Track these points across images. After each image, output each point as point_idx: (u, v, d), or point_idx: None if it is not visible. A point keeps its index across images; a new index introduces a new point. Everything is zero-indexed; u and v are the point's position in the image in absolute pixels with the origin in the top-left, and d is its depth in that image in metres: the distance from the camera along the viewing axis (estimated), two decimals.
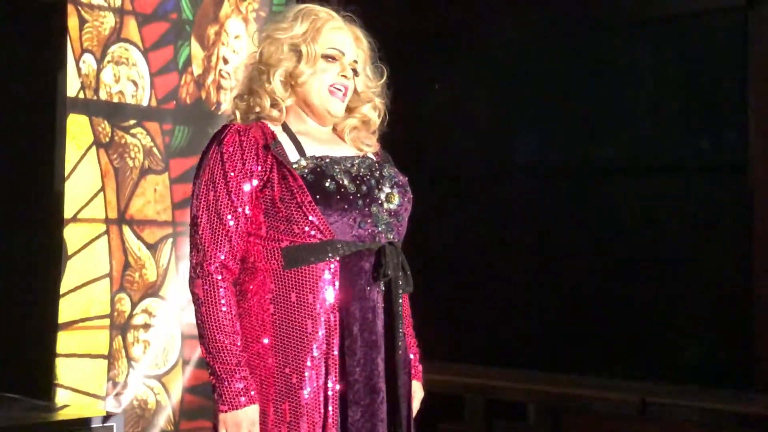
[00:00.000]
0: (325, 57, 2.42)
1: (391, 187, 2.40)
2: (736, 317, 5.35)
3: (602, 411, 4.89)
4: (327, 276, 2.30)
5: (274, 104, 2.41)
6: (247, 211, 2.31)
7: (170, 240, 4.55)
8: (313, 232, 2.28)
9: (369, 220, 2.34)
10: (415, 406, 2.55)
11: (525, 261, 6.05)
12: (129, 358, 4.41)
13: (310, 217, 2.27)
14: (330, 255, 2.30)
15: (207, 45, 4.69)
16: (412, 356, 2.55)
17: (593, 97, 5.99)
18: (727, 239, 5.46)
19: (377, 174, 2.40)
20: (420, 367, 2.63)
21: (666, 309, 5.57)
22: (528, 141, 6.56)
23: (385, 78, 2.55)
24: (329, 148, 2.42)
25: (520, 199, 6.17)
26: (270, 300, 2.30)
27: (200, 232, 2.31)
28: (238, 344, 2.29)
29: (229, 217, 2.30)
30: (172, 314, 4.54)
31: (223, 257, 2.30)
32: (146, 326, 4.46)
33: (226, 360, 2.27)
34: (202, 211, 2.32)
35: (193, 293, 2.33)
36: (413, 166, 2.50)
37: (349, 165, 2.38)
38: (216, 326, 2.28)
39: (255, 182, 2.31)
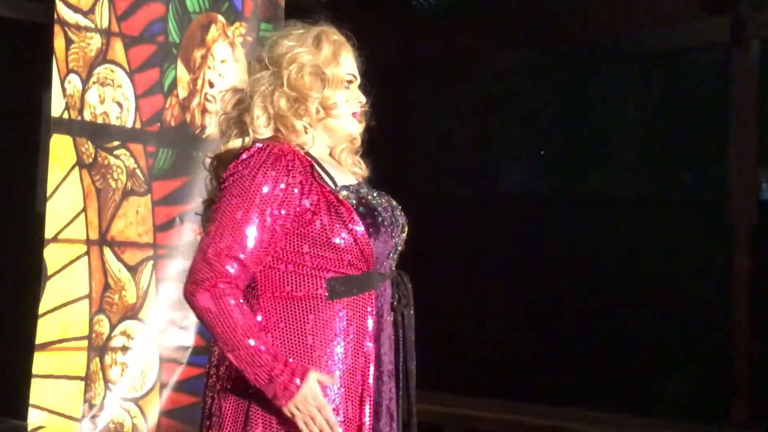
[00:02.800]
0: (345, 82, 2.39)
1: (401, 217, 2.41)
2: (713, 352, 5.37)
3: None
4: (368, 307, 2.29)
5: (305, 131, 2.34)
6: (274, 243, 2.22)
7: (151, 262, 4.54)
8: (359, 263, 2.26)
9: (394, 250, 2.36)
10: None
11: (506, 291, 6.06)
12: (106, 380, 4.38)
13: (362, 249, 2.25)
14: (371, 287, 2.29)
15: (193, 68, 4.70)
16: None
17: (577, 130, 6.04)
18: (707, 273, 5.49)
19: (391, 203, 2.41)
20: None
21: (644, 342, 5.59)
22: (512, 172, 6.59)
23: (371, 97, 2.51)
24: (343, 175, 2.39)
25: (504, 230, 6.19)
26: (309, 331, 2.24)
27: (218, 250, 2.18)
28: (266, 339, 2.19)
29: (257, 245, 2.20)
30: (150, 337, 4.51)
31: (238, 279, 2.19)
32: (124, 348, 4.44)
33: (264, 362, 2.16)
34: (227, 229, 2.19)
35: (201, 307, 2.18)
36: (398, 195, 2.49)
37: (375, 194, 2.38)
38: (241, 333, 2.16)
39: (299, 210, 2.22)
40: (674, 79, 5.75)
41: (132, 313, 4.46)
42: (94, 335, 4.33)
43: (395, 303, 2.36)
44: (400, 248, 2.39)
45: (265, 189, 2.21)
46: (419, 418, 2.45)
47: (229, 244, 2.20)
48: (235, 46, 4.80)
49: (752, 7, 5.30)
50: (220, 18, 4.78)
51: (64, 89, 4.27)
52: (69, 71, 4.29)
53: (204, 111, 4.69)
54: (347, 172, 2.44)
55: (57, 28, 4.25)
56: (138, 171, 4.51)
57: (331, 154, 2.46)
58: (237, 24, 4.85)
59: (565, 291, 5.88)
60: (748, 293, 5.22)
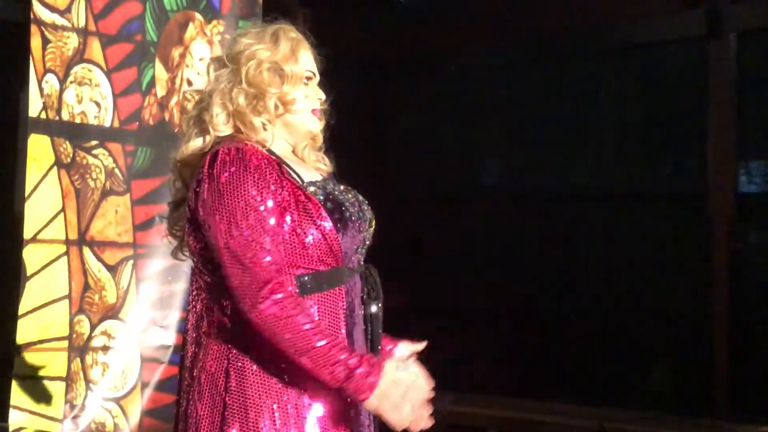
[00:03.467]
0: (304, 79, 2.39)
1: (369, 211, 2.41)
2: (695, 344, 5.40)
3: None
4: (339, 303, 2.28)
5: (264, 128, 2.33)
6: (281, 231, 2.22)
7: (131, 262, 4.53)
8: (328, 259, 2.25)
9: (362, 245, 2.36)
10: None
11: (487, 285, 6.07)
12: (87, 381, 4.37)
13: (330, 244, 2.24)
14: (341, 282, 2.28)
15: (171, 67, 4.69)
16: None
17: (556, 125, 6.05)
18: (687, 266, 5.51)
19: (358, 198, 2.41)
20: None
21: (625, 334, 5.61)
22: (492, 166, 6.60)
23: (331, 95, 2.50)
24: (308, 171, 2.39)
25: (484, 224, 6.20)
26: None
27: (257, 258, 2.16)
28: (331, 334, 2.19)
29: (271, 240, 2.19)
30: (131, 337, 4.50)
31: (282, 276, 2.19)
32: (105, 348, 4.43)
33: (339, 358, 2.14)
34: (250, 239, 2.17)
35: (266, 316, 2.14)
36: (379, 189, 2.49)
37: (342, 189, 2.38)
38: (311, 334, 2.14)
39: (279, 209, 2.22)
40: (652, 73, 5.77)
41: (112, 312, 4.46)
42: (74, 335, 4.32)
43: (365, 297, 2.35)
44: (368, 242, 2.38)
45: (250, 189, 2.20)
46: None
47: (256, 252, 2.17)
48: (214, 44, 4.79)
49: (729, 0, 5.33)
50: (198, 16, 4.78)
51: (41, 89, 4.25)
52: (46, 71, 4.28)
53: (183, 109, 4.68)
54: (311, 168, 2.44)
55: (34, 28, 4.24)
56: (117, 170, 4.50)
57: (293, 152, 2.46)
58: (215, 22, 4.84)
59: (545, 284, 5.89)
60: (727, 285, 5.25)
